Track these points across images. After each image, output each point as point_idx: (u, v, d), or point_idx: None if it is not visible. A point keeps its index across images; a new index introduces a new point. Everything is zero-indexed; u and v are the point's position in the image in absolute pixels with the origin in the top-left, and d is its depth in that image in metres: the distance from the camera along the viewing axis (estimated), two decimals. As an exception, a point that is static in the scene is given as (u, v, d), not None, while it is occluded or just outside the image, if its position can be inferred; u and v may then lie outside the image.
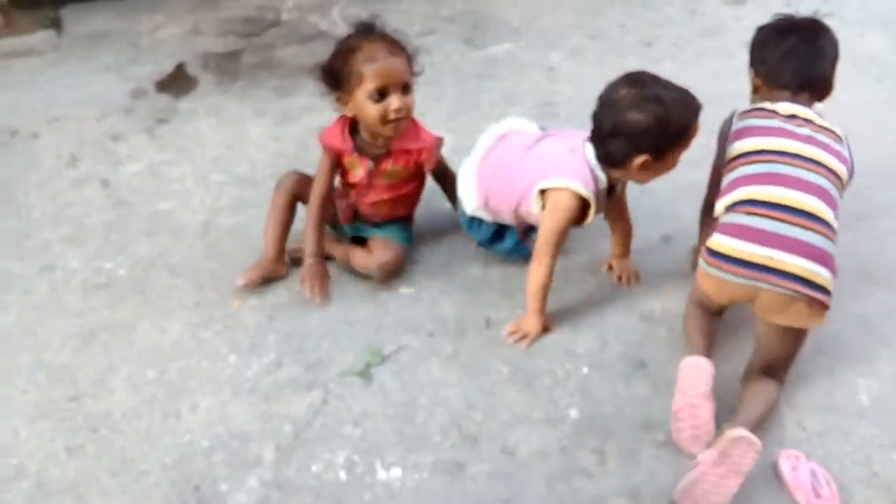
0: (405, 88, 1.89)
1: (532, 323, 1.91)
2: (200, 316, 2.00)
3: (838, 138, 1.80)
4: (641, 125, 1.68)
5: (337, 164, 2.03)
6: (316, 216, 2.02)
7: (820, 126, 1.78)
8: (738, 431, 1.50)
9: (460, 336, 1.93)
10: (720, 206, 1.75)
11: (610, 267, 2.11)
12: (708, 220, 1.91)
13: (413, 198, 2.16)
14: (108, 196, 2.45)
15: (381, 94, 1.85)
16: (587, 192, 1.80)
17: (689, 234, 2.17)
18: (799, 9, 2.98)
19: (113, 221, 2.34)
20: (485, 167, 2.00)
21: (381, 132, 1.93)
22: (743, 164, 1.75)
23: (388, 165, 2.01)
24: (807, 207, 1.63)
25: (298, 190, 2.09)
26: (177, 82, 3.09)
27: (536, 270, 1.87)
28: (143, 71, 3.16)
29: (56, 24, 3.53)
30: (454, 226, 2.22)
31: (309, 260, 2.02)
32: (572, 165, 1.82)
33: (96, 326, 1.98)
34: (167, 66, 3.19)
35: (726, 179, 1.78)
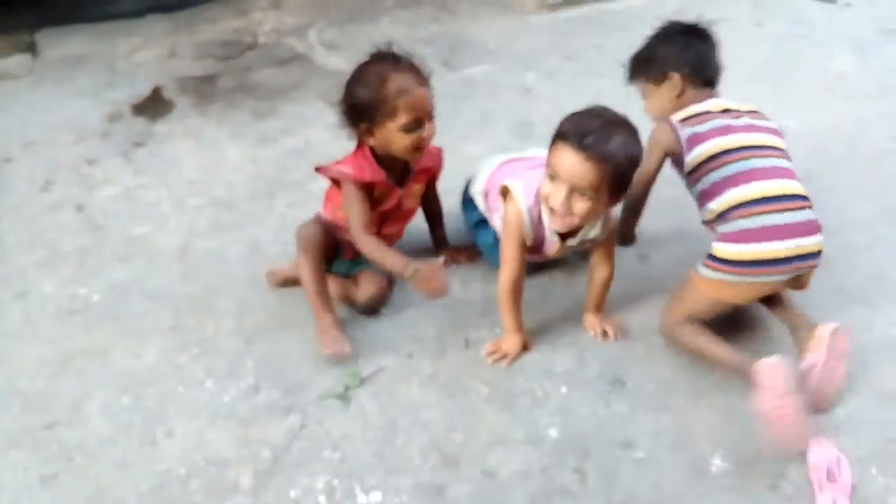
0: (431, 115, 1.89)
1: (511, 342, 1.91)
2: (177, 340, 1.98)
3: (761, 114, 1.97)
4: None
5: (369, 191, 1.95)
6: (375, 242, 1.90)
7: (748, 111, 1.94)
8: (827, 326, 1.74)
9: (439, 356, 1.92)
10: (712, 209, 1.84)
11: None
12: (632, 212, 2.14)
13: (408, 222, 2.17)
14: (82, 220, 2.43)
15: (415, 125, 1.84)
16: (522, 200, 1.81)
17: (666, 252, 2.20)
18: (765, 28, 3.03)
19: (88, 246, 2.31)
20: (503, 167, 2.06)
21: (409, 158, 1.93)
22: (715, 169, 1.85)
23: (413, 187, 2.04)
24: (789, 191, 1.80)
25: (323, 239, 2.00)
26: (153, 105, 3.09)
27: (499, 277, 1.89)
28: (120, 94, 3.15)
29: (31, 48, 3.52)
30: (432, 247, 2.23)
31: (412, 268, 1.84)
32: (530, 179, 1.84)
33: (71, 352, 1.96)
34: (144, 90, 3.19)
35: (704, 184, 1.87)
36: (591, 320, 2.00)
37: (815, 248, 1.77)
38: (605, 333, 1.97)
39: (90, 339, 2.00)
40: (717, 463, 1.65)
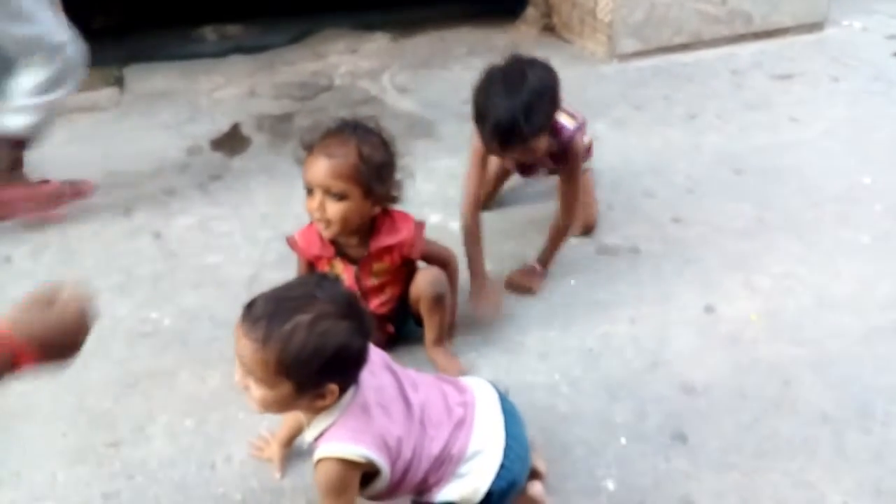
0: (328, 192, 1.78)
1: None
2: (240, 368, 2.02)
3: None
4: None
5: (311, 267, 1.97)
6: None
7: None
8: None
9: (497, 400, 1.91)
10: None
11: None
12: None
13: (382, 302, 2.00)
14: (159, 248, 2.52)
15: (308, 190, 1.82)
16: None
17: (733, 305, 2.15)
18: (842, 84, 2.96)
19: (162, 272, 2.39)
20: None
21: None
22: None
23: (371, 266, 1.91)
24: None
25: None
26: (231, 141, 3.20)
27: None
28: (200, 129, 3.27)
29: (119, 83, 3.70)
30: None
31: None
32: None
33: (139, 374, 2.01)
34: (223, 126, 3.31)
35: None
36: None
37: None
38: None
39: (158, 362, 2.06)
40: (782, 527, 1.59)
